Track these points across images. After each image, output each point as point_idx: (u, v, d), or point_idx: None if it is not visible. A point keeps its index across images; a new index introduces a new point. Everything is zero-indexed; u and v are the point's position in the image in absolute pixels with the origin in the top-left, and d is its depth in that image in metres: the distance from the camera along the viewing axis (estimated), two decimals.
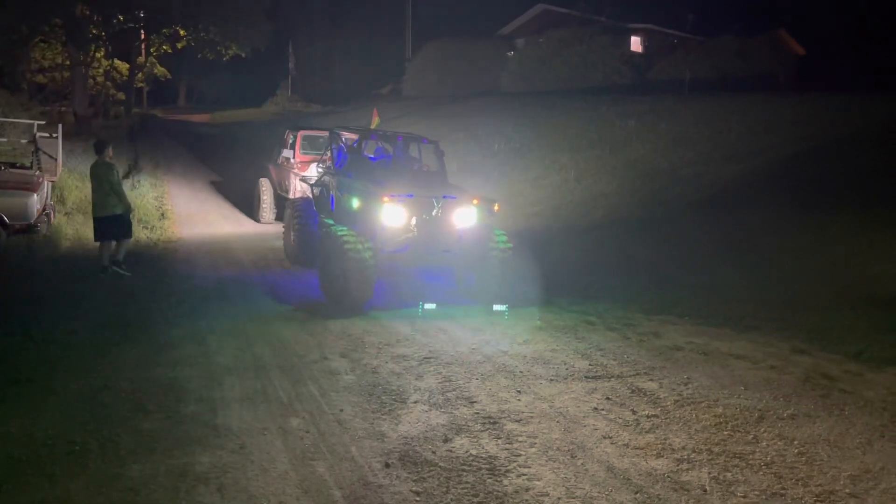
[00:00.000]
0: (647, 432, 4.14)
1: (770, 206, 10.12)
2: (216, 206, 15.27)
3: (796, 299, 7.40)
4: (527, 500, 3.33)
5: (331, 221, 7.94)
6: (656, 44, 30.27)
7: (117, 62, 35.01)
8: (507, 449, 3.86)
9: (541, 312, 7.11)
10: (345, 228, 7.26)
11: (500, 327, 6.55)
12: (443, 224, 7.33)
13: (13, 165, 10.80)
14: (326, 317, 6.73)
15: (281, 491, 3.35)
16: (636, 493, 3.42)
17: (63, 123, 14.43)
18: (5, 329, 5.75)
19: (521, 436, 4.04)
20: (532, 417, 4.32)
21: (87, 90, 31.01)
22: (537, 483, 3.49)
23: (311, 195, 9.55)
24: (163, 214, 13.24)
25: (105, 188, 8.14)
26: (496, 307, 7.06)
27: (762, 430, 4.19)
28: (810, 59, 31.34)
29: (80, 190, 12.58)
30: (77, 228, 10.87)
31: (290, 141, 12.93)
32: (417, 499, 3.32)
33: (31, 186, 9.32)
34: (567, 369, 5.29)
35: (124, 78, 36.31)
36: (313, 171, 10.34)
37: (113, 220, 8.18)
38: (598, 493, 3.41)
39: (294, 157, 12.38)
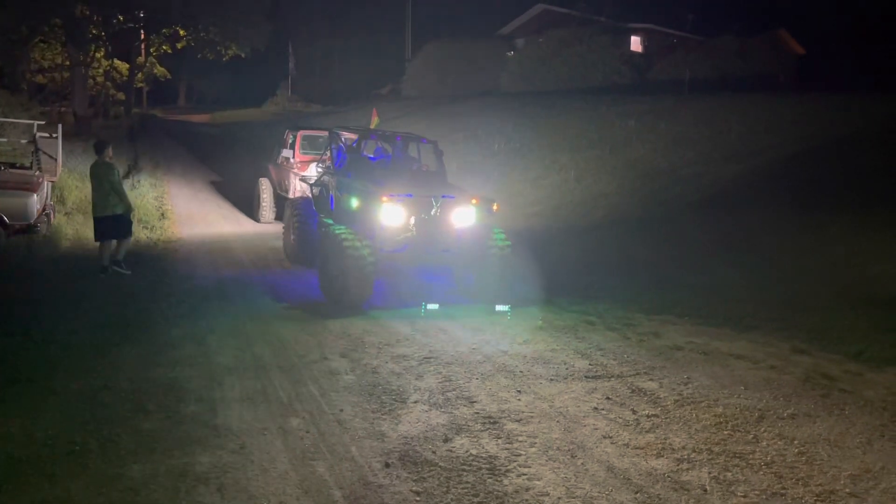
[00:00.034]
0: (647, 432, 4.14)
1: (770, 206, 10.12)
2: (216, 206, 15.26)
3: (796, 299, 7.40)
4: (527, 500, 3.33)
5: (330, 221, 7.95)
6: (656, 44, 30.28)
7: (117, 62, 35.03)
8: (507, 449, 3.86)
9: (541, 312, 7.11)
10: (344, 228, 7.26)
11: (500, 327, 6.54)
12: (442, 224, 7.33)
13: (13, 165, 10.80)
14: (326, 316, 6.73)
15: (281, 491, 3.35)
16: (636, 492, 3.42)
17: (63, 123, 14.42)
18: (5, 329, 5.74)
19: (522, 435, 4.04)
20: (532, 417, 4.32)
21: (87, 90, 31.05)
22: (537, 483, 3.49)
23: (310, 195, 9.56)
24: (163, 214, 13.24)
25: (105, 188, 8.14)
26: (498, 307, 7.05)
27: (762, 429, 4.19)
28: (810, 59, 31.35)
29: (80, 190, 12.58)
30: (77, 228, 10.87)
31: (290, 141, 12.93)
32: (417, 499, 3.32)
33: (31, 186, 9.32)
34: (567, 369, 5.29)
35: (124, 78, 36.33)
36: (313, 171, 10.35)
37: (113, 220, 8.19)
38: (599, 492, 3.41)
39: (294, 157, 12.39)
